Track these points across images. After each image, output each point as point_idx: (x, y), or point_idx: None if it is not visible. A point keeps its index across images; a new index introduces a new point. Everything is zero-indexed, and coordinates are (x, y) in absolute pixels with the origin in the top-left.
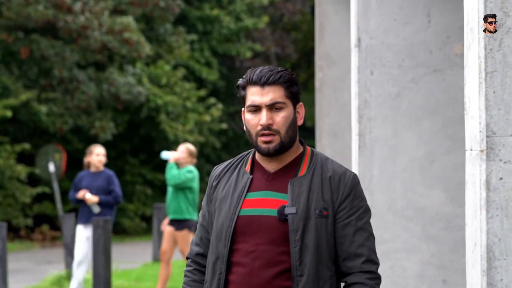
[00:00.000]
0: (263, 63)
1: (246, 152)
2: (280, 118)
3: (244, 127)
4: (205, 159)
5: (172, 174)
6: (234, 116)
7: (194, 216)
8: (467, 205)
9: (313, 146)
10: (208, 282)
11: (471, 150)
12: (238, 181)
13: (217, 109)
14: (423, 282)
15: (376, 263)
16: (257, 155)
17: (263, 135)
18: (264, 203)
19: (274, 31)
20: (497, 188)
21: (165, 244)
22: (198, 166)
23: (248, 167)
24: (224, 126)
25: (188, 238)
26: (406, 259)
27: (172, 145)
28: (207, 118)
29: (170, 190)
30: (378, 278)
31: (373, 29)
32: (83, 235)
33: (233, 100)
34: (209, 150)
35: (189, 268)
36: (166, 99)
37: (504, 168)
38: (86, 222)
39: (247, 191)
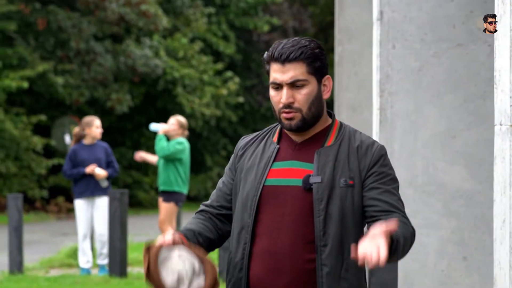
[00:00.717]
0: (280, 37)
1: (274, 125)
2: (302, 96)
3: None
4: (221, 133)
5: (161, 146)
6: (251, 90)
7: (183, 189)
8: (495, 181)
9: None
10: (233, 253)
11: (501, 125)
12: (265, 151)
13: (234, 83)
14: (443, 258)
15: (410, 224)
16: None
17: (284, 112)
18: (290, 173)
19: (292, 5)
20: None
21: (161, 215)
22: (214, 140)
23: (275, 138)
24: (240, 100)
25: (172, 212)
26: (426, 235)
27: (188, 118)
28: (223, 91)
29: (160, 162)
30: (414, 234)
31: (395, 2)
32: (87, 209)
33: (250, 74)
34: (226, 124)
35: (198, 212)
36: (183, 72)
37: None
38: (92, 195)
39: (274, 161)
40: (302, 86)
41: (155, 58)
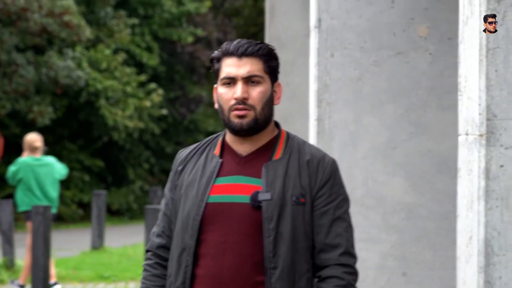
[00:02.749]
0: (204, 48)
1: (214, 135)
2: (257, 93)
3: (216, 105)
4: (144, 146)
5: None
6: (174, 102)
7: (27, 207)
8: (460, 195)
9: None
10: (173, 277)
11: (467, 134)
12: (206, 165)
13: (158, 95)
14: (382, 274)
15: (354, 256)
16: (228, 137)
17: (236, 109)
18: (235, 189)
19: (216, 16)
20: (497, 177)
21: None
22: (136, 153)
23: (217, 150)
24: (164, 112)
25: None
26: (366, 250)
27: (111, 131)
28: (147, 103)
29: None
30: (355, 274)
31: (334, 9)
32: None
33: (173, 85)
34: (148, 137)
35: (150, 262)
36: (106, 83)
37: (506, 154)
38: None
39: (216, 176)
40: (257, 83)
41: (77, 70)
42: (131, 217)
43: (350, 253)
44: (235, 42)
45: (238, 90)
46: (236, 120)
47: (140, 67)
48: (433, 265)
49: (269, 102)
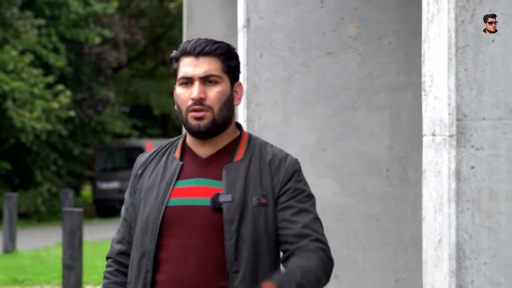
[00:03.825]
0: (111, 50)
1: (175, 138)
2: (214, 93)
3: (175, 106)
4: (51, 148)
5: None
6: (81, 104)
7: None
8: (425, 197)
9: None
10: (133, 283)
11: (434, 135)
12: (166, 168)
13: (66, 96)
14: None
15: (326, 244)
16: (188, 140)
17: (193, 110)
18: (196, 192)
19: (123, 17)
20: (468, 178)
21: None
22: (44, 155)
23: (177, 153)
24: (72, 113)
25: None
26: None
27: (18, 133)
28: (55, 105)
29: None
30: (331, 260)
31: (263, 9)
32: None
33: (80, 87)
34: (56, 138)
35: (110, 269)
36: (13, 85)
37: (476, 155)
38: None
39: (177, 179)
40: (215, 83)
41: None
42: (39, 219)
43: (321, 241)
44: (192, 41)
45: (195, 90)
46: (193, 122)
47: (47, 68)
48: (363, 267)
49: (228, 103)
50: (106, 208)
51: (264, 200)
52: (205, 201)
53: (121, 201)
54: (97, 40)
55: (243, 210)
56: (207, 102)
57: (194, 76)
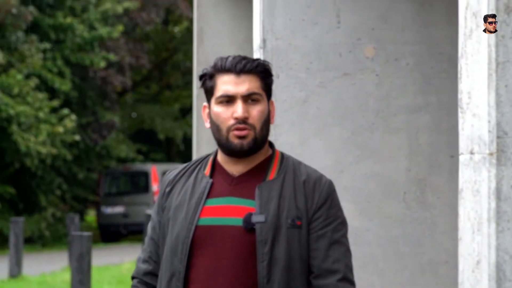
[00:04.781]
0: (117, 74)
1: (204, 155)
2: (257, 112)
3: (207, 124)
4: (56, 172)
5: None
6: (86, 128)
7: None
8: (462, 217)
9: (189, 157)
10: None
11: (472, 153)
12: (195, 186)
13: (71, 120)
14: None
15: (352, 283)
16: (220, 157)
17: (237, 129)
18: (227, 211)
19: (128, 41)
20: (509, 197)
21: None
22: (48, 179)
23: (207, 170)
24: (77, 137)
25: None
26: None
27: (23, 157)
28: (60, 129)
29: None
30: None
31: (279, 29)
32: None
33: (85, 111)
34: (60, 163)
35: None
36: (18, 109)
37: None
38: None
39: (207, 197)
40: (256, 102)
41: None
42: (44, 244)
43: (348, 279)
44: (230, 58)
45: (239, 109)
46: (236, 141)
47: (52, 92)
48: None
49: (267, 122)
50: (110, 232)
51: (299, 222)
52: (237, 221)
53: (126, 226)
54: (102, 64)
55: (277, 231)
56: (250, 121)
57: (237, 94)
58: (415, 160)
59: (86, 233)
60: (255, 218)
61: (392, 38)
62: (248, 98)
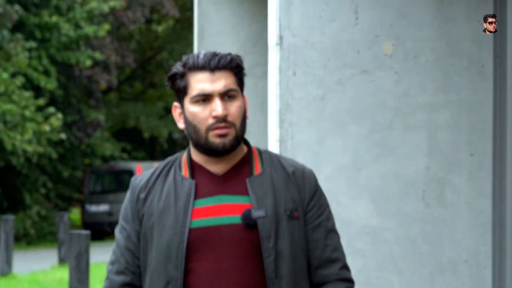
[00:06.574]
0: (102, 72)
1: (173, 157)
2: (235, 108)
3: (182, 125)
4: (40, 170)
5: None
6: (71, 126)
7: None
8: None
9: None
10: None
11: None
12: (177, 188)
13: (57, 119)
14: None
15: (349, 270)
16: (197, 157)
17: (217, 128)
18: (221, 210)
19: (114, 39)
20: None
21: None
22: (33, 178)
23: (185, 172)
24: (63, 136)
25: None
26: None
27: (9, 155)
28: (46, 127)
29: None
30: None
31: (296, 26)
32: None
33: (70, 109)
34: (45, 161)
35: None
36: (4, 108)
37: None
38: None
39: (194, 199)
40: (233, 98)
41: None
42: (29, 242)
43: (347, 267)
44: (201, 55)
45: (218, 107)
46: (217, 140)
47: (37, 91)
48: None
49: (245, 117)
50: (95, 231)
51: (296, 213)
52: (234, 218)
53: (111, 224)
54: (88, 62)
55: (278, 225)
56: (230, 119)
57: (214, 92)
58: (434, 159)
59: (84, 232)
60: (256, 214)
61: (411, 35)
62: (225, 95)
